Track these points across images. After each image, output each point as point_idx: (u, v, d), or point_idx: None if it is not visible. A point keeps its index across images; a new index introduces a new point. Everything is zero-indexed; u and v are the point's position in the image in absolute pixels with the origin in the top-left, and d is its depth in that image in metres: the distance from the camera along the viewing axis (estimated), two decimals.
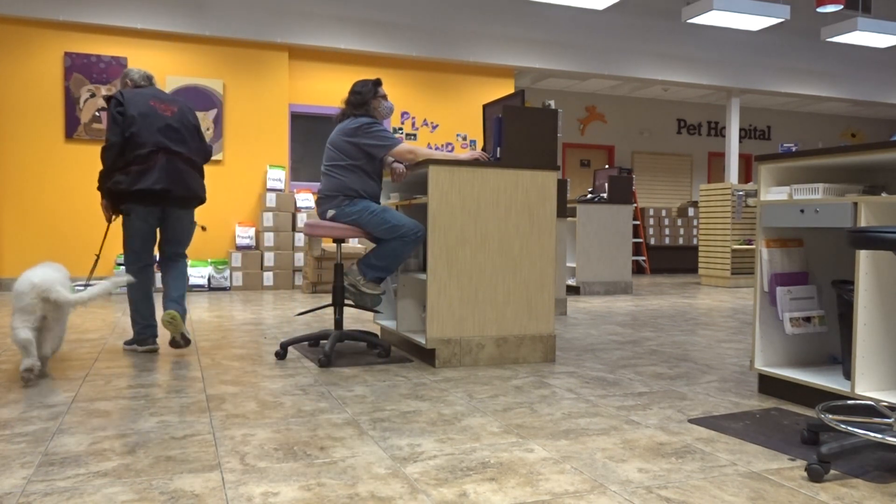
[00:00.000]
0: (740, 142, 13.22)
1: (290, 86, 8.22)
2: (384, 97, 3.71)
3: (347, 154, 3.59)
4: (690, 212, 11.42)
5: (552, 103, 3.69)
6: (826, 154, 2.56)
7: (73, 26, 7.30)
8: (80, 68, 7.31)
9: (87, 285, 3.72)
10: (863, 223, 2.40)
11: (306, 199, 7.91)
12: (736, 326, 5.01)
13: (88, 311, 5.52)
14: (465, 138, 9.02)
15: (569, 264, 7.64)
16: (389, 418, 2.50)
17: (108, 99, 3.67)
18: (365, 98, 3.65)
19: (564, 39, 9.14)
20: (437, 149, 8.81)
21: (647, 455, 2.12)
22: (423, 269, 3.74)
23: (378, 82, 3.69)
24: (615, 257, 7.45)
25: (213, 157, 7.74)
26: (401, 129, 8.74)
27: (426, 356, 3.54)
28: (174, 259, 3.83)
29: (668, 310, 6.03)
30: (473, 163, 3.41)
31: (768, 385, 2.92)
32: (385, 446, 2.17)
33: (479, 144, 9.06)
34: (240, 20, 7.72)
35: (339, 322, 3.68)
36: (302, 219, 7.79)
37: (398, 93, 8.71)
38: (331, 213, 3.59)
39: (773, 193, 2.82)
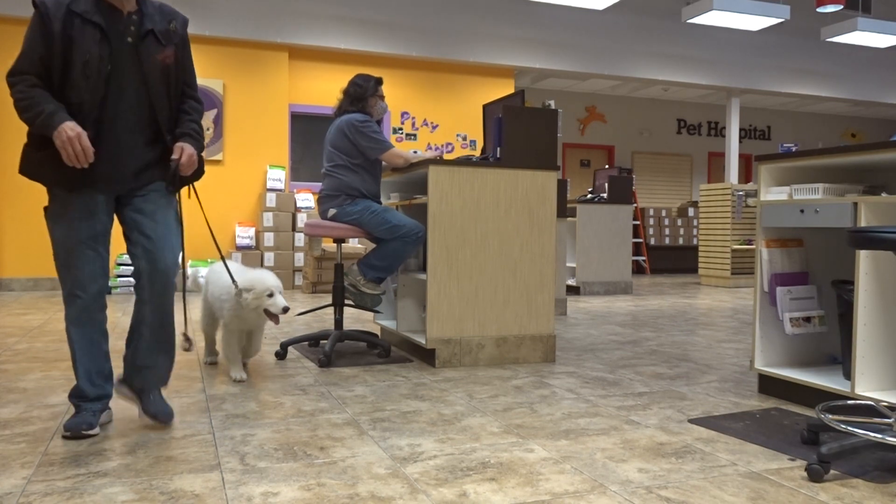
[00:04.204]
0: (740, 142, 13.22)
1: (290, 86, 8.22)
2: (382, 97, 3.72)
3: (348, 153, 3.59)
4: (690, 212, 11.42)
5: (552, 103, 3.69)
6: (826, 154, 2.56)
7: None
8: None
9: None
10: (863, 223, 2.40)
11: (306, 199, 7.91)
12: (736, 326, 5.01)
13: None
14: (465, 138, 9.02)
15: (569, 264, 7.64)
16: (389, 418, 2.50)
17: None
18: (365, 93, 3.66)
19: (564, 39, 9.14)
20: (437, 149, 8.81)
21: (647, 455, 2.12)
22: (423, 269, 3.74)
23: (380, 81, 3.70)
24: (615, 257, 7.45)
25: (214, 157, 7.74)
26: (401, 129, 8.74)
27: (426, 356, 3.54)
28: None
29: (668, 310, 6.03)
30: (464, 161, 3.42)
31: (768, 385, 2.92)
32: (385, 446, 2.17)
33: (479, 144, 9.06)
34: (240, 20, 7.72)
35: (339, 322, 3.68)
36: (302, 219, 7.79)
37: (398, 93, 8.71)
38: (332, 212, 3.60)
39: (773, 193, 2.82)
